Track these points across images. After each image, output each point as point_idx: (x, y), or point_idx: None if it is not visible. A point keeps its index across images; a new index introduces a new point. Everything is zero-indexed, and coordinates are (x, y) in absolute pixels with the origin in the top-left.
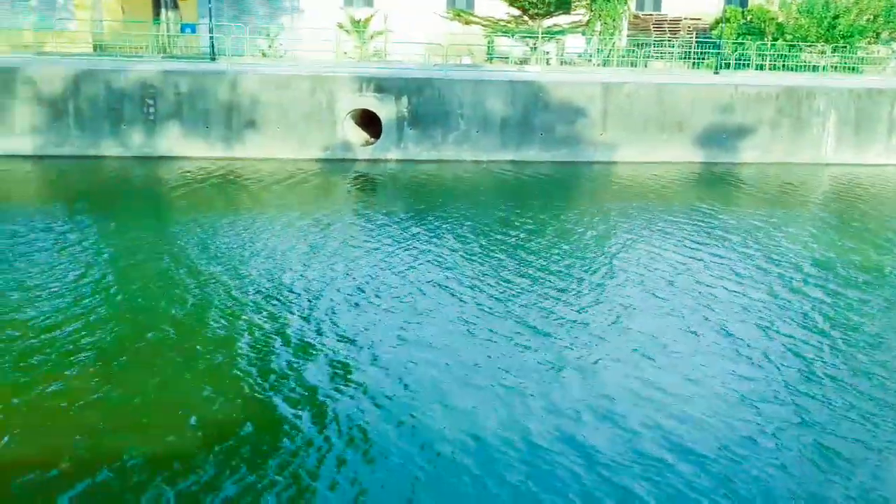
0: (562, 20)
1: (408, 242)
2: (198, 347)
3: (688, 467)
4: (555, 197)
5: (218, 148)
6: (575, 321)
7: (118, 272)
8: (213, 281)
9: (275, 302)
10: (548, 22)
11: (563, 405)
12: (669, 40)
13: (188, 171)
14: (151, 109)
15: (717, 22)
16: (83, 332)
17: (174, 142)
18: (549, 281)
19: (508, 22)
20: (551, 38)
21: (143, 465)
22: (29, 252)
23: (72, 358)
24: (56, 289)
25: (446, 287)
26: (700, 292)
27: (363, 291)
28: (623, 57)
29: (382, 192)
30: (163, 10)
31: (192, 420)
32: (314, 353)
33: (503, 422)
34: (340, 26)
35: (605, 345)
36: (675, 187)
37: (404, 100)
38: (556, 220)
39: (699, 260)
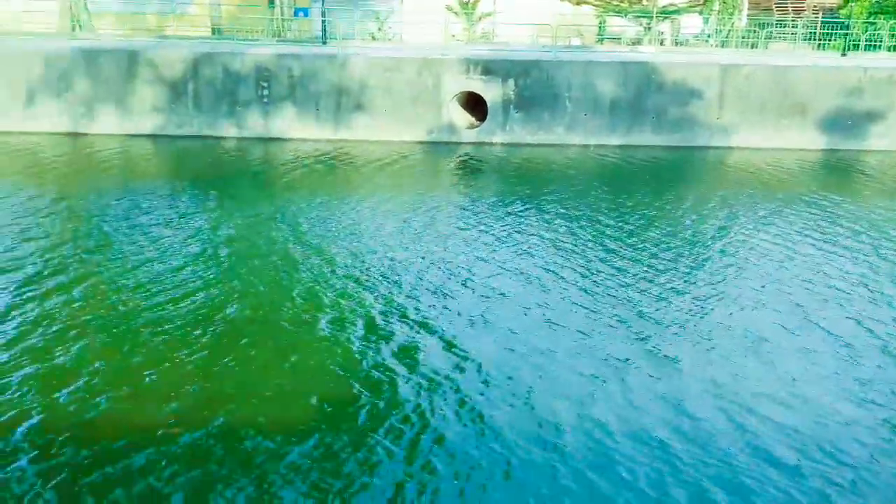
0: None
1: (505, 227)
2: (293, 322)
3: (779, 474)
4: (663, 183)
5: (327, 129)
6: (672, 312)
7: (225, 248)
8: (313, 258)
9: (368, 281)
10: (663, 1)
11: (651, 401)
12: (793, 20)
13: (298, 152)
14: (265, 92)
15: (846, 1)
16: (189, 304)
17: (286, 123)
18: (648, 270)
19: (621, 2)
20: (666, 17)
21: (244, 434)
22: (144, 226)
23: (178, 328)
24: (166, 262)
25: (540, 274)
26: (809, 287)
27: (456, 274)
28: (742, 38)
29: (485, 175)
30: None
31: (289, 391)
32: (400, 332)
33: (585, 415)
34: (449, 8)
35: (702, 339)
36: (793, 175)
37: (511, 82)
38: (660, 207)
39: (811, 253)
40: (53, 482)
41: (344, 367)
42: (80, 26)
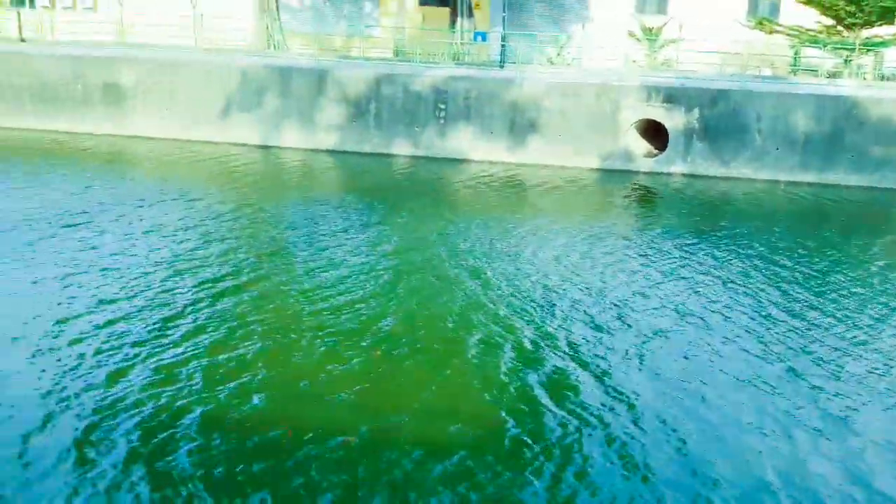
0: (883, 31)
1: (672, 261)
2: (445, 341)
3: None
4: (857, 226)
5: (501, 151)
6: (851, 366)
7: (388, 261)
8: (471, 278)
9: (523, 306)
10: (866, 32)
11: (821, 463)
12: None
13: (471, 172)
14: (443, 112)
15: None
16: (349, 314)
17: (461, 144)
18: (828, 319)
19: (819, 32)
20: (870, 50)
21: (388, 445)
22: (316, 235)
23: (337, 337)
24: (333, 271)
25: (705, 314)
26: None
27: (613, 307)
28: None
29: (661, 207)
30: (459, 19)
31: (435, 408)
32: (550, 362)
33: (745, 471)
34: (631, 34)
35: (884, 399)
36: None
37: (695, 111)
38: (849, 252)
39: None
40: (207, 475)
41: (490, 392)
42: (274, 46)
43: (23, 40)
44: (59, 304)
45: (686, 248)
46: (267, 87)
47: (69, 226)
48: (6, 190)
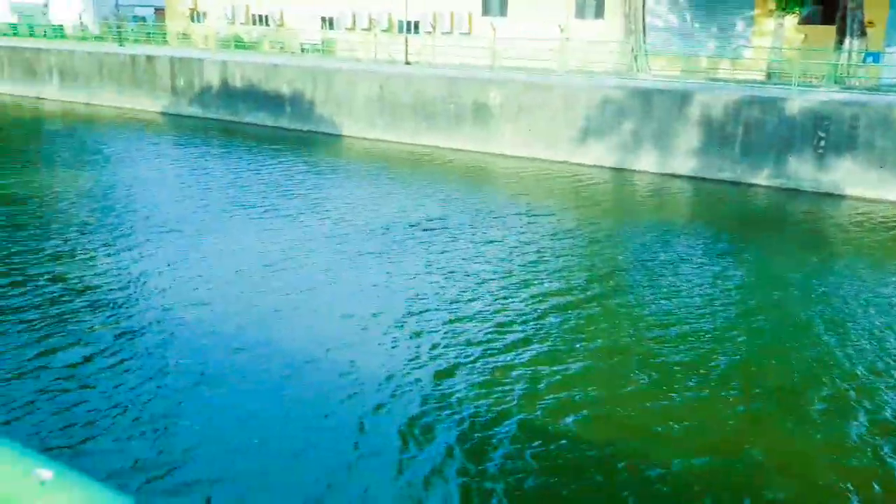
0: None
1: None
2: (790, 395)
3: None
4: None
5: (893, 190)
6: None
7: (735, 299)
8: (832, 331)
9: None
10: None
11: None
12: None
13: (851, 210)
14: (822, 142)
15: None
16: (684, 347)
17: (842, 178)
18: None
19: None
20: None
21: (708, 490)
22: (659, 262)
23: (667, 368)
24: (671, 300)
25: None
26: None
27: None
28: None
29: None
30: (847, 38)
31: (768, 466)
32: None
33: None
34: None
35: None
36: None
37: None
38: None
39: None
40: (515, 486)
41: (835, 460)
42: (637, 68)
43: (408, 63)
44: (407, 299)
45: None
46: (625, 110)
47: (425, 230)
48: (379, 194)
